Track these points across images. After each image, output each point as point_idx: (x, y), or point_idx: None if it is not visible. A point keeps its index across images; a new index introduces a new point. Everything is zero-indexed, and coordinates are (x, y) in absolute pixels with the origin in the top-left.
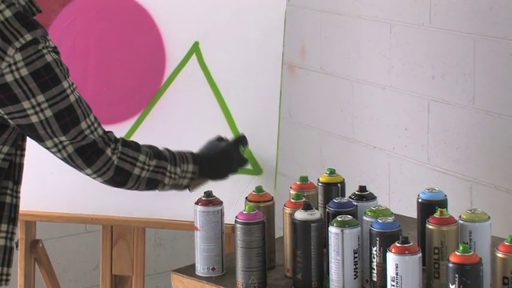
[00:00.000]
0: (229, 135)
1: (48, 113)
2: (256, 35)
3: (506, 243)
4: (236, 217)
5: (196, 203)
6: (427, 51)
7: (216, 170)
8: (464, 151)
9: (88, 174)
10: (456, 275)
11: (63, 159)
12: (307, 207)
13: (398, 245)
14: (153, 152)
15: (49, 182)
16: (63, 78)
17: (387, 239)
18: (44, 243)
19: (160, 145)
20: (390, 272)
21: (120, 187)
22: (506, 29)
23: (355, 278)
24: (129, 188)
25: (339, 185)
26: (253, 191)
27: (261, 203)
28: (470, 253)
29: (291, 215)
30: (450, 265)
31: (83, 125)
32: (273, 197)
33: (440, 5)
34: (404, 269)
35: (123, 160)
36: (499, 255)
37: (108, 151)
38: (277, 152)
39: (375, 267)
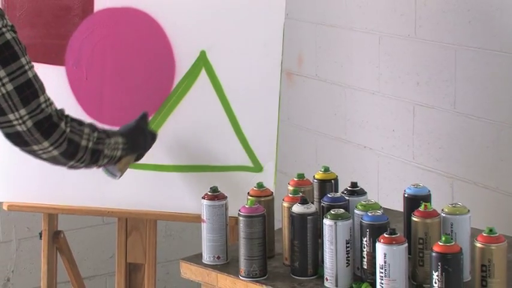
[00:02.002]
0: (234, 136)
1: (9, 86)
2: (257, 45)
3: (484, 234)
4: (239, 210)
5: (203, 198)
6: (412, 60)
7: (137, 143)
8: (446, 151)
9: (45, 148)
10: (439, 263)
11: (23, 132)
12: (303, 201)
13: (386, 236)
14: (92, 126)
15: (69, 178)
16: (21, 55)
17: (376, 231)
18: (65, 233)
19: (173, 142)
20: (379, 260)
21: (70, 160)
22: (484, 40)
23: (347, 266)
24: (77, 161)
25: (332, 181)
26: (255, 187)
27: (262, 197)
28: (452, 243)
29: (289, 208)
30: (433, 254)
31: (41, 98)
32: (272, 192)
33: (424, 18)
34: (392, 257)
35: (73, 132)
36: (478, 245)
37: (62, 124)
38: (276, 152)
39: (365, 256)
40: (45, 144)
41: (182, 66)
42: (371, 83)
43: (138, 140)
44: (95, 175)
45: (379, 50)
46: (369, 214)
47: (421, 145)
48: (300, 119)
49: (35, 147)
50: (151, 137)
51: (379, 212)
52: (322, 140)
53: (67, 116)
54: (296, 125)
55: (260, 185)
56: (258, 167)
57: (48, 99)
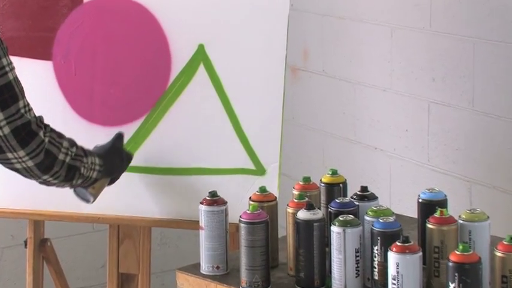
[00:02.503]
0: (234, 136)
1: None
2: (260, 39)
3: (505, 243)
4: (240, 217)
5: (201, 203)
6: (427, 55)
7: (113, 165)
8: (463, 152)
9: (20, 158)
10: (456, 274)
11: None
12: (309, 207)
13: (399, 244)
14: (72, 141)
15: None
16: (2, 56)
17: (388, 238)
18: (52, 242)
19: (169, 143)
20: (391, 270)
21: (45, 174)
22: (505, 33)
23: (356, 277)
24: (52, 175)
25: (340, 185)
26: (257, 191)
27: (265, 202)
28: (470, 252)
29: (294, 214)
30: (450, 264)
31: (21, 103)
32: (276, 197)
33: (440, 9)
34: (405, 267)
35: (51, 144)
36: (498, 254)
37: (41, 133)
38: (280, 153)
39: (376, 265)
40: (21, 153)
41: (179, 61)
42: (382, 79)
43: (114, 162)
44: None
45: (391, 43)
46: (380, 221)
47: (437, 146)
48: (306, 118)
49: (9, 155)
50: (127, 159)
51: (391, 219)
52: (329, 141)
53: (46, 126)
54: (301, 125)
55: (263, 189)
56: (260, 170)
57: (28, 104)
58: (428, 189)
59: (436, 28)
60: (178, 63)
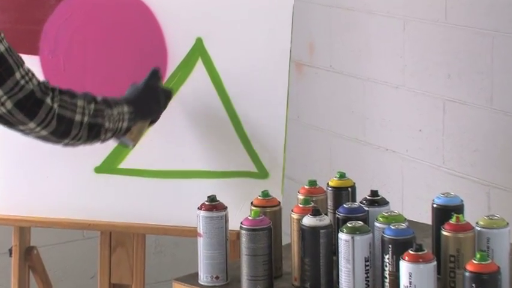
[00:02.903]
0: (235, 137)
1: None
2: (262, 32)
3: None
4: (241, 223)
5: (200, 208)
6: (442, 49)
7: (149, 108)
8: (481, 154)
9: (32, 129)
10: (473, 285)
11: (3, 115)
12: (315, 212)
13: (412, 252)
14: (88, 97)
15: (44, 186)
16: None
17: (400, 247)
18: (39, 250)
19: (164, 144)
20: (403, 281)
21: (64, 139)
22: None
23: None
24: (73, 138)
25: (349, 189)
26: (259, 196)
27: (268, 208)
28: (488, 261)
29: (299, 220)
30: (467, 274)
31: (17, 75)
32: (280, 202)
33: (456, 0)
34: (419, 278)
35: (63, 108)
36: None
37: (48, 100)
38: (284, 155)
39: (387, 276)
40: (31, 125)
41: (175, 57)
42: (394, 76)
43: (147, 104)
44: (73, 182)
45: (404, 37)
46: (392, 227)
47: (453, 147)
48: (312, 117)
49: (21, 128)
50: (166, 96)
51: (404, 225)
52: (337, 142)
53: (54, 89)
54: (307, 124)
55: (265, 194)
56: (263, 173)
57: (27, 73)
58: (444, 194)
59: (452, 20)
60: (174, 59)
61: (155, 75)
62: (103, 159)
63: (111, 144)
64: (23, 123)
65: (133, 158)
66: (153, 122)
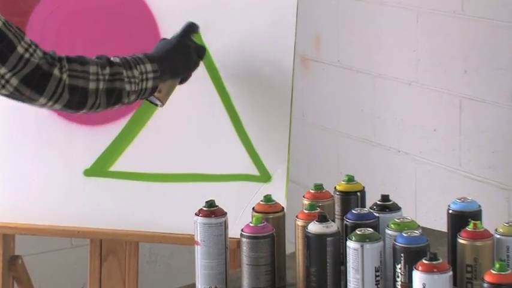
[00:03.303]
0: (235, 137)
1: None
2: (264, 24)
3: None
4: (242, 230)
5: (197, 214)
6: (459, 42)
7: (178, 65)
8: (501, 155)
9: (43, 105)
10: None
11: (11, 95)
12: (322, 219)
13: (426, 262)
14: (102, 61)
15: (30, 191)
16: None
17: (413, 255)
18: (24, 259)
19: (159, 145)
20: None
21: (81, 109)
22: None
23: None
24: (91, 107)
25: (358, 193)
26: (261, 201)
27: (270, 214)
28: (508, 271)
29: (304, 227)
30: (485, 285)
31: (20, 48)
32: (283, 208)
33: None
34: None
35: (74, 77)
36: None
37: (56, 71)
38: (288, 157)
39: (399, 287)
40: (42, 100)
41: None
42: (407, 71)
43: (176, 62)
44: (61, 185)
45: (417, 29)
46: (404, 235)
47: (470, 148)
48: (318, 116)
49: (34, 103)
50: (198, 54)
51: (417, 233)
52: (345, 142)
53: (61, 58)
54: (313, 124)
55: (268, 199)
56: (265, 176)
57: (30, 45)
58: (460, 199)
59: (470, 12)
60: None
61: (189, 30)
62: (93, 161)
63: (102, 145)
64: (32, 99)
65: (126, 160)
66: (183, 80)
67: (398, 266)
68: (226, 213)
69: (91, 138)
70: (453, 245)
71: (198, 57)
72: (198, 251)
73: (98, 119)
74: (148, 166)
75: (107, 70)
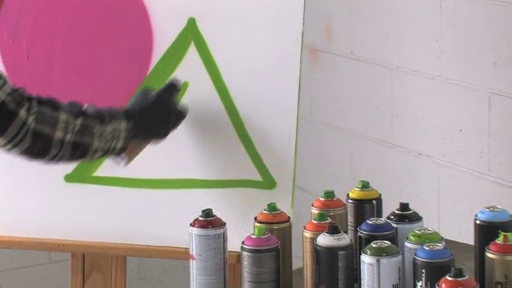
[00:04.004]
0: (235, 138)
1: None
2: (269, 11)
3: None
4: (242, 243)
5: (192, 225)
6: (487, 32)
7: (154, 126)
8: None
9: (2, 146)
10: None
11: None
12: (333, 230)
13: (450, 278)
14: (75, 110)
15: (3, 198)
16: None
17: (436, 271)
18: None
19: (150, 147)
20: None
21: (41, 157)
22: None
23: None
24: (52, 158)
25: (373, 202)
26: (265, 210)
27: (275, 224)
28: None
29: (313, 240)
30: None
31: None
32: (289, 217)
33: None
34: None
35: (41, 122)
36: None
37: (22, 112)
38: (295, 160)
39: None
40: (1, 141)
41: (162, 41)
42: (429, 64)
43: (153, 122)
44: (39, 193)
45: (441, 17)
46: (426, 248)
47: (500, 151)
48: (329, 114)
49: None
50: (179, 116)
51: (440, 246)
52: (359, 144)
53: (31, 99)
54: (323, 123)
55: (272, 207)
56: (269, 182)
57: None
58: (489, 208)
59: None
60: (161, 43)
61: (172, 88)
62: (75, 165)
63: None
64: None
65: (112, 165)
66: (156, 141)
67: (419, 284)
68: (225, 223)
69: None
70: (481, 260)
71: (178, 120)
72: (194, 267)
73: None
74: (137, 171)
75: (78, 121)
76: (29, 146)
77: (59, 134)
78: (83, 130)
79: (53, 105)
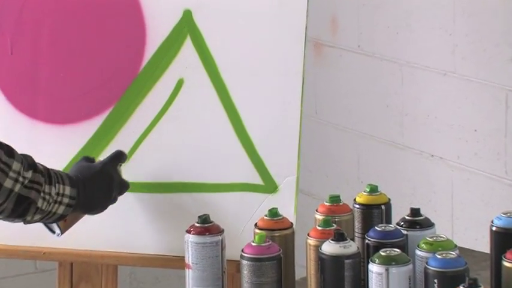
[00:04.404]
0: (235, 139)
1: None
2: (270, 3)
3: None
4: (242, 251)
5: (188, 231)
6: (504, 25)
7: (95, 200)
8: None
9: None
10: None
11: None
12: (339, 237)
13: None
14: (28, 161)
15: None
16: None
17: (449, 281)
18: None
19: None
20: None
21: None
22: None
23: None
24: None
25: (382, 207)
26: (266, 215)
27: (276, 231)
28: None
29: (317, 247)
30: None
31: None
32: (292, 224)
33: None
34: None
35: None
36: None
37: None
38: (298, 163)
39: None
40: None
41: (156, 34)
42: (442, 59)
43: (96, 193)
44: None
45: (454, 8)
46: (438, 257)
47: None
48: (334, 114)
49: None
50: (120, 190)
51: (453, 254)
52: (367, 145)
53: None
54: (328, 123)
55: (274, 213)
56: (270, 186)
57: None
58: (506, 213)
59: None
60: (155, 37)
61: (118, 158)
62: (63, 166)
63: (74, 147)
64: None
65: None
66: (93, 213)
67: None
68: (223, 230)
69: (60, 140)
70: (497, 269)
71: (119, 193)
72: (189, 276)
73: (68, 116)
74: (129, 174)
75: (29, 174)
76: None
77: (8, 183)
78: (31, 184)
79: (9, 150)
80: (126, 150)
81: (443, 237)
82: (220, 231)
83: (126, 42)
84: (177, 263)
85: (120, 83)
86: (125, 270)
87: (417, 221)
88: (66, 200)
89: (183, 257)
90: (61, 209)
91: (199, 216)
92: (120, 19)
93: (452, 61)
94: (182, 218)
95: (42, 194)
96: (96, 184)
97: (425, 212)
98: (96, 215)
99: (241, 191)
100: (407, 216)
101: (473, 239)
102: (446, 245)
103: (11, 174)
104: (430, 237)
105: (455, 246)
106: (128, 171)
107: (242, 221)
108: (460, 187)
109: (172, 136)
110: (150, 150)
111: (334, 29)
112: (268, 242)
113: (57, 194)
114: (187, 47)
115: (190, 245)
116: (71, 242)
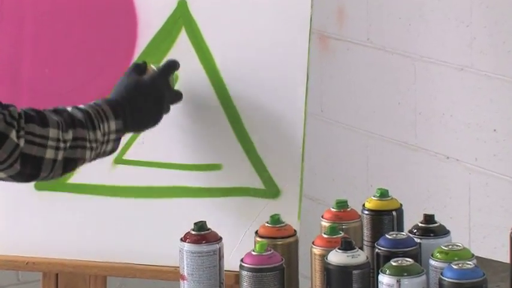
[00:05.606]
0: (234, 140)
1: None
2: None
3: None
4: (242, 260)
5: (183, 240)
6: None
7: (146, 120)
8: None
9: None
10: None
11: None
12: (346, 246)
13: None
14: (64, 119)
15: None
16: None
17: None
18: None
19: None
20: None
21: (30, 180)
22: None
23: None
24: (43, 179)
25: (393, 213)
26: (267, 222)
27: (279, 239)
28: None
29: (323, 257)
30: None
31: None
32: (295, 231)
33: None
34: None
35: (31, 143)
36: None
37: (13, 134)
38: (302, 165)
39: None
40: None
41: (149, 26)
42: (458, 53)
43: (145, 114)
44: (5, 203)
45: None
46: (454, 267)
47: None
48: (341, 112)
49: None
50: (172, 102)
51: (471, 264)
52: (376, 146)
53: (19, 118)
54: (334, 122)
55: (276, 219)
56: (272, 190)
57: None
58: None
59: None
60: (147, 30)
61: (170, 69)
62: None
63: None
64: None
65: (90, 169)
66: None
67: None
68: (221, 238)
69: None
70: None
71: (173, 100)
72: None
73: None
74: (120, 177)
75: (70, 135)
76: (18, 171)
77: (49, 154)
78: (75, 144)
79: (42, 119)
80: (116, 152)
81: (460, 246)
82: (217, 240)
83: (115, 36)
84: (171, 274)
85: (109, 79)
86: (115, 282)
87: (431, 228)
88: (113, 136)
89: (178, 267)
90: (110, 146)
91: (195, 223)
92: (109, 10)
93: (469, 55)
94: (176, 225)
95: (88, 145)
96: (145, 104)
97: (440, 219)
98: (82, 220)
99: (241, 195)
100: (421, 223)
101: (492, 248)
102: (463, 254)
103: (50, 143)
104: (445, 246)
105: (473, 255)
106: (117, 174)
107: (242, 229)
108: (478, 191)
109: (166, 136)
110: (142, 151)
111: (341, 20)
112: (270, 251)
113: (104, 134)
114: (182, 40)
115: (185, 255)
116: (56, 251)
